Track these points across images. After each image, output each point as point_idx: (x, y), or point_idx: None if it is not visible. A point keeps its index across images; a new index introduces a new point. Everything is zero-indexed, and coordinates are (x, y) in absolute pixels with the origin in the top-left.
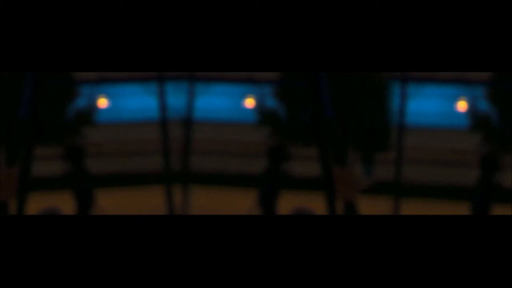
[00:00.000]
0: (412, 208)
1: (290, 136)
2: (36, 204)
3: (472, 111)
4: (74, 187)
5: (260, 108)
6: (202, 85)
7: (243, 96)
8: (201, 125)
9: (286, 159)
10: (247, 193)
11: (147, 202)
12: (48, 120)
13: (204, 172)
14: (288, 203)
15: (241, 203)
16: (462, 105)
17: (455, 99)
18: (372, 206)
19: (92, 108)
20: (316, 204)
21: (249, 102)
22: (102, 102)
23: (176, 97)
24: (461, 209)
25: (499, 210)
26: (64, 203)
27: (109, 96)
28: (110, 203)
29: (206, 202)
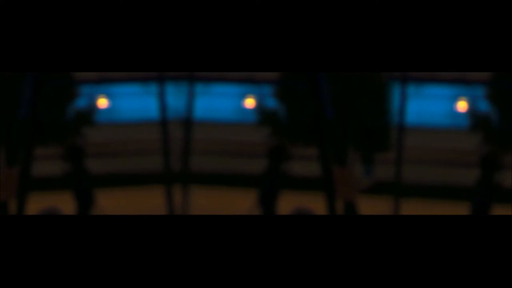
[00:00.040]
0: (412, 208)
1: (290, 136)
2: (36, 204)
3: (472, 111)
4: (74, 187)
5: (260, 108)
6: (202, 85)
7: (243, 96)
8: (201, 125)
9: (286, 159)
10: (247, 193)
11: (147, 202)
12: (48, 120)
13: (204, 172)
14: (288, 203)
15: (241, 203)
16: (462, 105)
17: (455, 99)
18: (372, 206)
19: (92, 108)
20: (316, 204)
21: (249, 102)
22: (102, 102)
23: (176, 97)
24: (461, 209)
25: (499, 210)
26: (64, 203)
27: (109, 96)
28: (110, 203)
29: (206, 202)
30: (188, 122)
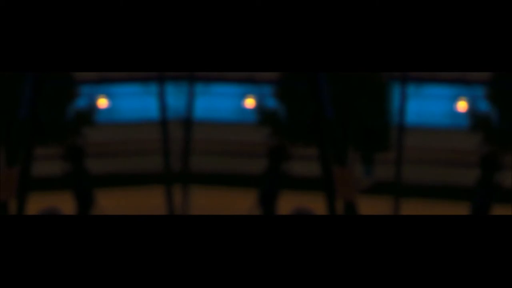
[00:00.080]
0: (412, 208)
1: (290, 136)
2: (36, 204)
3: (472, 111)
4: (74, 187)
5: (260, 108)
6: (202, 85)
7: (243, 96)
8: (201, 125)
9: (286, 159)
10: (247, 193)
11: (147, 202)
12: (48, 120)
13: (204, 172)
14: (288, 203)
15: (241, 203)
16: (462, 105)
17: (455, 99)
18: (372, 206)
19: (92, 108)
20: (316, 204)
21: (249, 102)
22: (102, 102)
23: (176, 97)
24: (461, 209)
25: (499, 210)
26: (64, 203)
27: (109, 96)
28: (110, 203)
29: (206, 202)
30: (188, 122)
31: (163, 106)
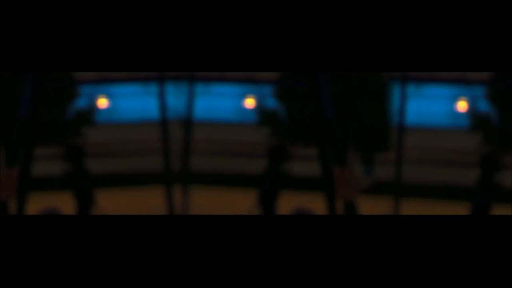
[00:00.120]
0: (412, 208)
1: (290, 136)
2: (36, 204)
3: (472, 111)
4: (74, 187)
5: (260, 108)
6: (202, 85)
7: (243, 96)
8: (201, 125)
9: (286, 159)
10: (247, 193)
11: (147, 202)
12: (48, 120)
13: (204, 172)
14: (288, 203)
15: (241, 203)
16: (462, 105)
17: (455, 99)
18: (372, 206)
19: (92, 108)
20: (316, 204)
21: (249, 102)
22: (102, 102)
23: (176, 97)
24: (461, 209)
25: (499, 210)
26: (64, 203)
27: (109, 96)
28: (110, 203)
29: (206, 202)
30: (188, 122)
31: (163, 106)
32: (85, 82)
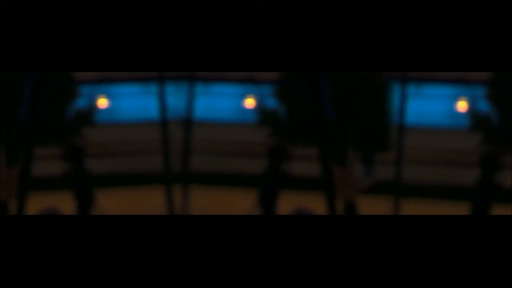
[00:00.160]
0: (412, 208)
1: (290, 136)
2: (36, 204)
3: (472, 111)
4: (74, 187)
5: (260, 108)
6: (202, 85)
7: (243, 96)
8: (201, 125)
9: (286, 159)
10: (247, 193)
11: (147, 202)
12: (48, 120)
13: (204, 172)
14: (288, 203)
15: (241, 203)
16: (462, 105)
17: (455, 99)
18: (372, 206)
19: (92, 108)
20: (316, 204)
21: (249, 102)
22: (102, 102)
23: (176, 97)
24: (461, 209)
25: (499, 210)
26: (64, 203)
27: (109, 96)
28: (110, 203)
29: (206, 202)
30: (188, 122)
31: (163, 106)
32: (85, 82)
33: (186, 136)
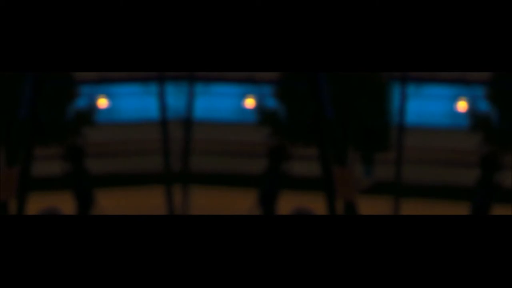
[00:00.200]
0: (412, 208)
1: (290, 136)
2: (36, 204)
3: (472, 111)
4: (74, 187)
5: (260, 108)
6: (202, 85)
7: (243, 96)
8: (201, 125)
9: (286, 159)
10: (247, 193)
11: (147, 202)
12: (48, 120)
13: (204, 172)
14: (288, 203)
15: (241, 203)
16: (462, 105)
17: (455, 99)
18: (372, 206)
19: (92, 108)
20: (316, 204)
21: (249, 102)
22: (102, 102)
23: (176, 97)
24: (461, 209)
25: (499, 210)
26: (64, 203)
27: (109, 96)
28: (110, 203)
29: (206, 202)
30: (188, 122)
31: (163, 106)
32: (85, 82)
33: (186, 136)
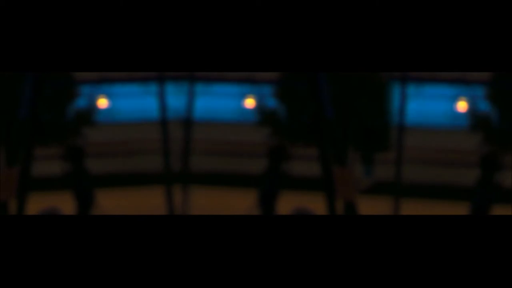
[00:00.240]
0: (412, 208)
1: (290, 136)
2: (36, 204)
3: (472, 111)
4: (74, 187)
5: (260, 108)
6: (202, 85)
7: (243, 96)
8: (201, 125)
9: (286, 159)
10: (247, 193)
11: (147, 202)
12: (48, 120)
13: (204, 172)
14: (288, 203)
15: (241, 203)
16: (462, 105)
17: (455, 99)
18: (372, 206)
19: (92, 108)
20: (316, 204)
21: (249, 102)
22: (102, 102)
23: (176, 97)
24: (461, 209)
25: (499, 210)
26: (64, 203)
27: (109, 96)
28: (110, 203)
29: (206, 202)
30: (188, 122)
31: (163, 106)
32: (85, 82)
33: (186, 136)
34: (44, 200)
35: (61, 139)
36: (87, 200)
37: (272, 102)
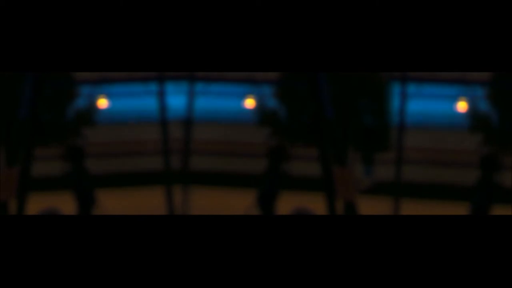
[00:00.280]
0: (412, 208)
1: (290, 136)
2: (36, 204)
3: (472, 111)
4: (74, 187)
5: (260, 108)
6: (202, 85)
7: (243, 96)
8: (201, 125)
9: (286, 159)
10: (247, 193)
11: (147, 202)
12: (48, 120)
13: (204, 172)
14: (288, 203)
15: (241, 203)
16: (462, 105)
17: (455, 99)
18: (372, 206)
19: (92, 108)
20: (316, 204)
21: (249, 102)
22: (102, 102)
23: (176, 97)
24: (461, 209)
25: (499, 210)
26: (64, 203)
27: (109, 96)
28: (110, 203)
29: (206, 202)
30: (188, 122)
31: (163, 106)
32: (85, 82)
33: (186, 136)
34: (44, 200)
35: (61, 139)
36: (87, 200)
37: (272, 102)
